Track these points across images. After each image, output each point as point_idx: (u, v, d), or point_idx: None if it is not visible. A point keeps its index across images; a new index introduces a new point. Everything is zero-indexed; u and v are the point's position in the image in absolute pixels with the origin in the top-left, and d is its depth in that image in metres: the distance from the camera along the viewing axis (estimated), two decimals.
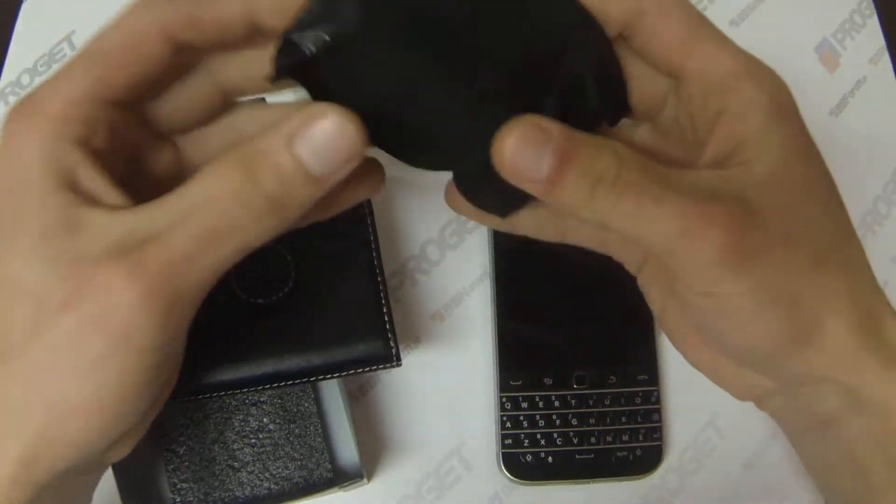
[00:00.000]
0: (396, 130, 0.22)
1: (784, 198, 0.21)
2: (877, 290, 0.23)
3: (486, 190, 0.25)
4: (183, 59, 0.22)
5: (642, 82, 0.24)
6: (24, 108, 0.21)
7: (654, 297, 0.27)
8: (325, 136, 0.20)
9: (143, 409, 0.22)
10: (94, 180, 0.20)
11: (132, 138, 0.23)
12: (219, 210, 0.20)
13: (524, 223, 0.26)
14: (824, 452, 0.24)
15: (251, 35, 0.22)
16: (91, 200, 0.20)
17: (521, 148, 0.20)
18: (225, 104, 0.24)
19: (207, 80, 0.23)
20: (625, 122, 0.25)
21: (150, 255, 0.19)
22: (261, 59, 0.22)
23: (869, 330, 0.22)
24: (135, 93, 0.22)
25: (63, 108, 0.20)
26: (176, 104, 0.23)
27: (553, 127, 0.20)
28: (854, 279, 0.22)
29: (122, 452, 0.24)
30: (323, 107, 0.20)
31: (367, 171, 0.24)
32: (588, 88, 0.23)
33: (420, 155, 0.23)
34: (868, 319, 0.22)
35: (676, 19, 0.22)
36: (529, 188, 0.20)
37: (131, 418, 0.22)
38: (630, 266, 0.27)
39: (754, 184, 0.21)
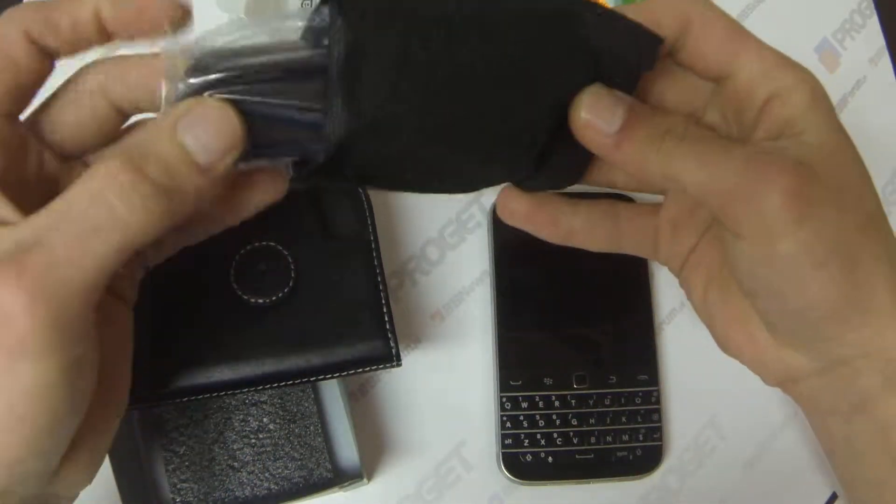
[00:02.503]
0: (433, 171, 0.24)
1: (834, 165, 0.22)
2: None
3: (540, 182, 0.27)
4: (46, 64, 0.23)
5: (684, 94, 0.26)
6: None
7: (696, 285, 0.28)
8: (206, 122, 0.20)
9: (66, 421, 0.21)
10: None
11: (33, 158, 0.23)
12: (98, 206, 0.19)
13: (579, 224, 0.28)
14: (852, 438, 0.25)
15: (104, 36, 0.23)
16: None
17: (595, 107, 0.23)
18: (126, 120, 0.25)
19: (103, 100, 0.24)
20: None
21: (30, 260, 0.19)
22: (149, 76, 0.23)
23: None
24: (16, 102, 0.23)
25: None
26: (75, 125, 0.24)
27: (623, 94, 0.23)
28: (893, 246, 0.23)
29: (79, 481, 0.23)
30: (204, 97, 0.20)
31: (270, 174, 0.25)
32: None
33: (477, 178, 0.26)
34: None
35: (720, 26, 0.24)
36: (599, 145, 0.23)
37: (53, 431, 0.21)
38: (674, 261, 0.29)
39: (808, 151, 0.22)
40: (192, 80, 0.21)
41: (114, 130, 0.25)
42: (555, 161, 0.25)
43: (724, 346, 0.27)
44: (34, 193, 0.23)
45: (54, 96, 0.24)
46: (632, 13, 0.24)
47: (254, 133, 0.21)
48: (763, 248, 0.22)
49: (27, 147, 0.24)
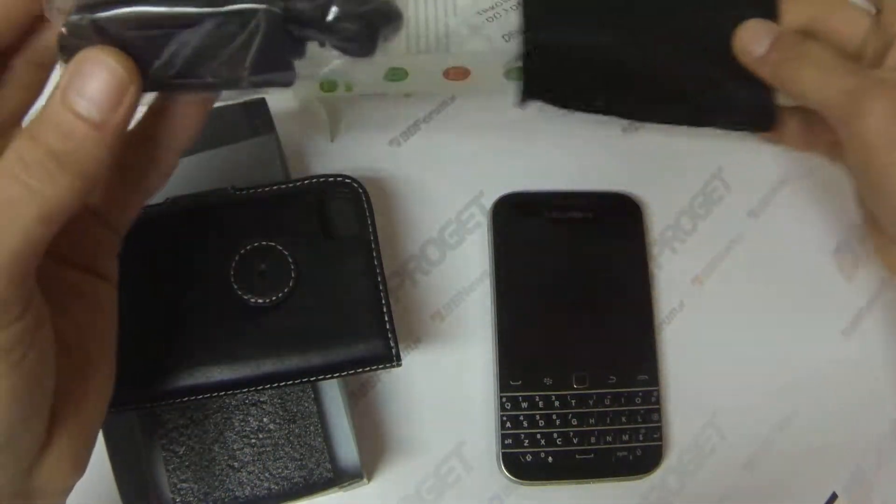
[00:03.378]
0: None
1: None
2: None
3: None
4: None
5: (847, 26, 0.31)
6: None
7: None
8: (91, 78, 0.20)
9: (22, 401, 0.21)
10: None
11: None
12: (9, 181, 0.19)
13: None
14: None
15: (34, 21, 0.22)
16: None
17: (749, 34, 0.30)
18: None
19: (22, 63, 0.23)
20: None
21: None
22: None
23: None
24: None
25: None
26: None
27: (776, 25, 0.30)
28: None
29: (65, 472, 0.23)
30: (85, 52, 0.20)
31: (186, 109, 0.24)
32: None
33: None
34: None
35: None
36: (752, 63, 0.30)
37: (15, 429, 0.21)
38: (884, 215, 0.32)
39: None
40: (72, 18, 0.20)
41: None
42: (742, 97, 0.31)
43: None
44: None
45: None
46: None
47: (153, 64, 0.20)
48: (865, 164, 0.28)
49: None
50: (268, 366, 0.31)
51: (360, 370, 0.32)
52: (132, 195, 0.26)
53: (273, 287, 0.32)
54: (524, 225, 0.40)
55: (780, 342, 0.41)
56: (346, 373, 0.32)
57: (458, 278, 0.41)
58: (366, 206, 0.34)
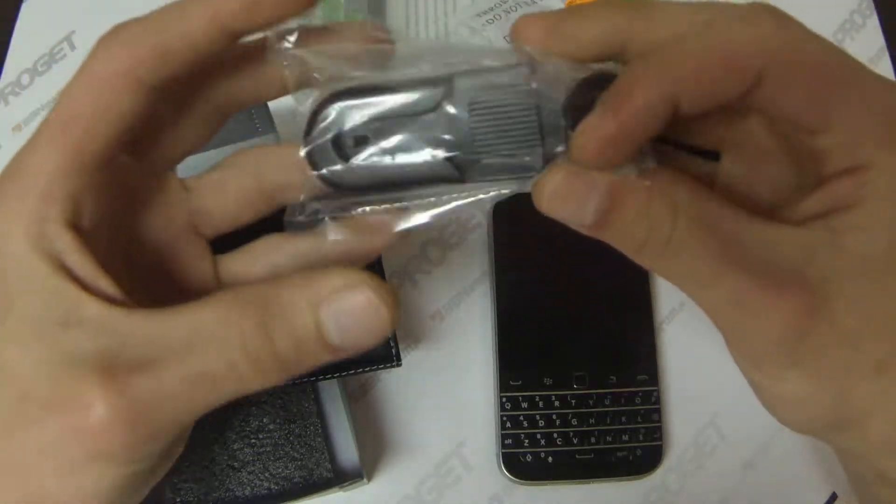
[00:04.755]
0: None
1: (874, 290, 0.19)
2: None
3: None
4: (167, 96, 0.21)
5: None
6: (6, 186, 0.19)
7: None
8: (354, 310, 0.18)
9: (132, 498, 0.21)
10: (85, 266, 0.19)
11: (126, 183, 0.22)
12: (220, 355, 0.18)
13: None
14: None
15: (227, 44, 0.20)
16: (84, 286, 0.19)
17: (563, 191, 0.19)
18: (223, 114, 0.23)
19: (203, 105, 0.22)
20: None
21: (136, 382, 0.18)
22: (254, 70, 0.22)
23: None
24: (119, 147, 0.20)
25: (46, 185, 0.19)
26: (173, 137, 0.22)
27: (601, 175, 0.19)
28: None
29: None
30: (358, 277, 0.19)
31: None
32: None
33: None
34: None
35: (803, 76, 0.18)
36: (574, 227, 0.20)
37: None
38: None
39: (843, 267, 0.19)
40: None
41: (213, 132, 0.24)
42: None
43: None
44: (129, 229, 0.22)
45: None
46: (696, 43, 0.18)
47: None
48: (747, 369, 0.21)
49: (126, 185, 0.22)
50: None
51: (360, 370, 0.32)
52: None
53: None
54: (524, 225, 0.40)
55: None
56: (345, 373, 0.32)
57: (458, 278, 0.41)
58: None
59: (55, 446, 0.19)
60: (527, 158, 0.20)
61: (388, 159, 0.21)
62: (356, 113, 0.21)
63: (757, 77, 0.18)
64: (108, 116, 0.20)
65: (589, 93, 0.19)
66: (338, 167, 0.21)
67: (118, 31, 0.20)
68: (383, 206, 0.21)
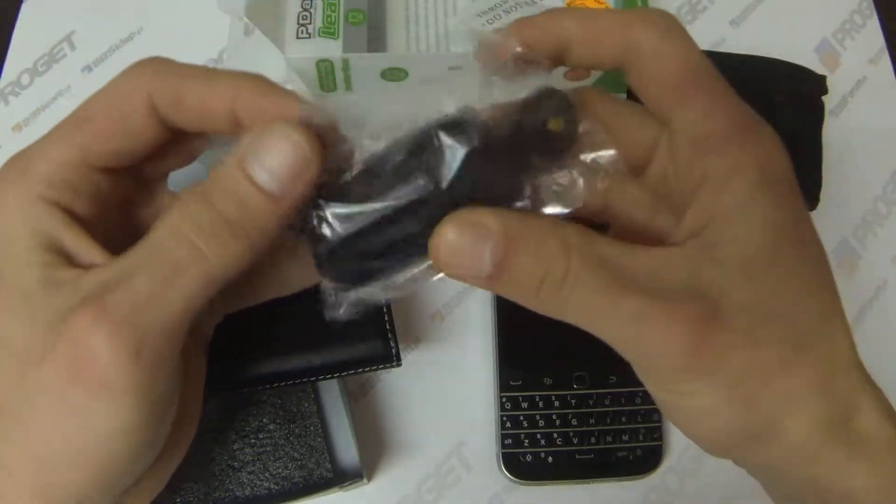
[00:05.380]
0: None
1: (758, 289, 0.19)
2: (856, 378, 0.21)
3: None
4: (172, 136, 0.22)
5: (629, 129, 0.22)
6: (11, 167, 0.21)
7: None
8: (274, 150, 0.20)
9: (145, 456, 0.21)
10: (74, 240, 0.21)
11: (120, 192, 0.23)
12: (178, 243, 0.19)
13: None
14: None
15: (234, 126, 0.21)
16: (70, 260, 0.20)
17: (458, 247, 0.19)
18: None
19: (199, 138, 0.23)
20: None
21: (112, 299, 0.19)
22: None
23: (838, 423, 0.20)
24: (122, 160, 0.22)
25: (48, 170, 0.21)
26: (168, 159, 0.24)
27: (492, 220, 0.19)
28: (829, 371, 0.20)
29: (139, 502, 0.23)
30: (270, 123, 0.20)
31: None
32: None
33: None
34: (839, 412, 0.20)
35: (673, 61, 0.20)
36: (474, 283, 0.20)
37: (131, 466, 0.21)
38: None
39: (726, 274, 0.19)
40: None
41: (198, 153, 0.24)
42: None
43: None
44: (120, 231, 0.23)
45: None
46: (575, 23, 0.21)
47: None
48: (658, 391, 0.22)
49: (120, 195, 0.23)
50: (267, 366, 0.31)
51: (360, 370, 0.32)
52: (248, 293, 0.26)
53: None
54: None
55: None
56: (345, 373, 0.32)
57: None
58: None
59: (58, 396, 0.19)
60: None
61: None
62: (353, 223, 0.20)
63: (631, 48, 0.20)
64: (119, 126, 0.21)
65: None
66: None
67: (153, 62, 0.22)
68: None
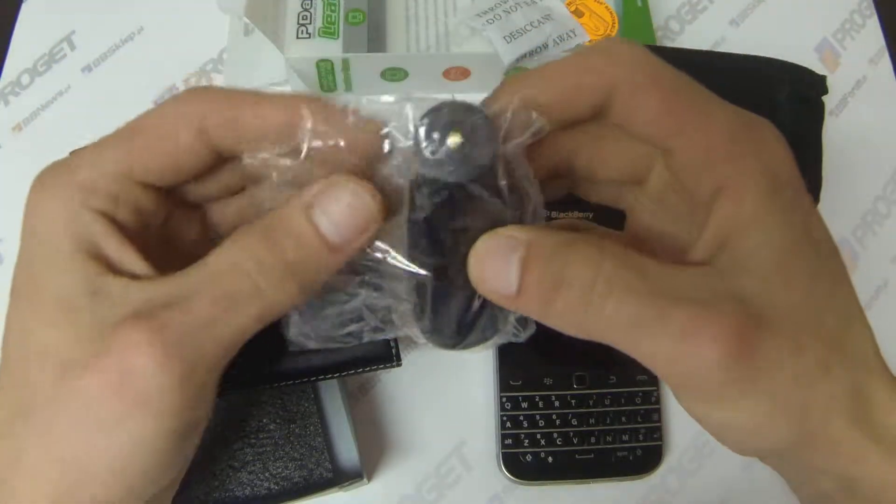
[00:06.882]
0: None
1: (790, 294, 0.19)
2: (881, 372, 0.21)
3: None
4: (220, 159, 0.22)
5: (619, 151, 0.22)
6: (54, 173, 0.21)
7: None
8: (341, 204, 0.20)
9: (170, 473, 0.22)
10: (118, 249, 0.21)
11: (160, 212, 0.23)
12: (238, 276, 0.20)
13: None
14: None
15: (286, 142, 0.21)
16: (113, 268, 0.20)
17: (489, 262, 0.20)
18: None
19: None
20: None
21: (168, 319, 0.19)
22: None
23: (868, 419, 0.20)
24: (165, 178, 0.22)
25: (91, 178, 0.21)
26: (207, 184, 0.24)
27: (521, 234, 0.19)
28: (859, 370, 0.20)
29: None
30: (340, 177, 0.20)
31: None
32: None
33: None
34: (873, 409, 0.20)
35: (653, 91, 0.20)
36: (505, 304, 0.20)
37: (155, 482, 0.21)
38: None
39: (762, 283, 0.19)
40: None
41: (242, 182, 0.24)
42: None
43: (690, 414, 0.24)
44: (156, 250, 0.22)
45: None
46: (551, 70, 0.20)
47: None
48: (703, 410, 0.21)
49: (160, 214, 0.23)
50: (268, 366, 0.31)
51: (360, 370, 0.32)
52: None
53: None
54: None
55: None
56: (345, 373, 0.32)
57: None
58: None
59: (95, 405, 0.19)
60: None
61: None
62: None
63: (607, 93, 0.20)
64: (167, 143, 0.21)
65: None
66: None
67: (207, 87, 0.22)
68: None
